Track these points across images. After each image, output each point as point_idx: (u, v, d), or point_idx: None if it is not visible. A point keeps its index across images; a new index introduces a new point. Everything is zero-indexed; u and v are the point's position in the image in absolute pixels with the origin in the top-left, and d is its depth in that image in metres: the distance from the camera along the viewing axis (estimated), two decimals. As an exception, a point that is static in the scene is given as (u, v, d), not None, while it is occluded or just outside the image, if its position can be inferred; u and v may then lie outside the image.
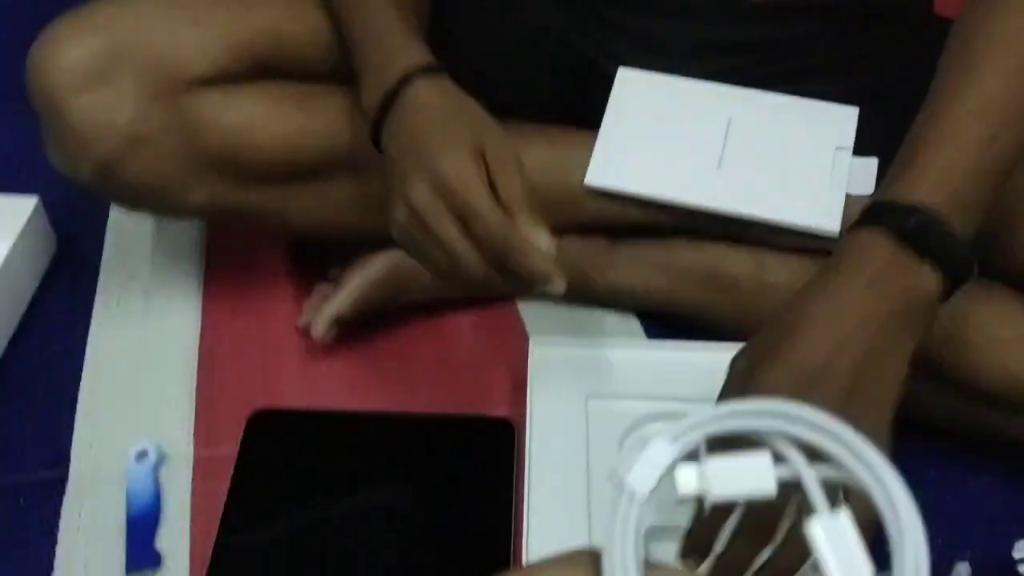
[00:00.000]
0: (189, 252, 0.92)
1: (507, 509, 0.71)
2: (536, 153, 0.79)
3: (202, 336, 0.85)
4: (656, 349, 0.79)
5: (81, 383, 0.81)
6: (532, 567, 0.29)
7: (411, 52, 0.66)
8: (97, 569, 0.69)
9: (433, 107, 0.64)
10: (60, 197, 0.90)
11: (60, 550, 0.70)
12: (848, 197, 0.78)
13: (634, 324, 0.84)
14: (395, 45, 0.67)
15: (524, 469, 0.71)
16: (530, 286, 0.62)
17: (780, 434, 0.30)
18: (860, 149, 0.80)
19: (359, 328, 0.84)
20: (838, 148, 0.80)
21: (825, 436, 0.30)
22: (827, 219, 0.78)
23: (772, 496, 0.29)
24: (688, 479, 0.30)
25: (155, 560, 0.69)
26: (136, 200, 0.77)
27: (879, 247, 0.56)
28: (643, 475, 0.30)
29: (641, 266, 0.82)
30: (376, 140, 0.66)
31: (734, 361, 0.59)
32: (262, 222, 0.79)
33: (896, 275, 0.56)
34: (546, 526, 0.67)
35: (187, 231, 0.93)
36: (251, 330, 0.86)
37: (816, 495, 0.29)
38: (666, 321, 0.83)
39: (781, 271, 0.78)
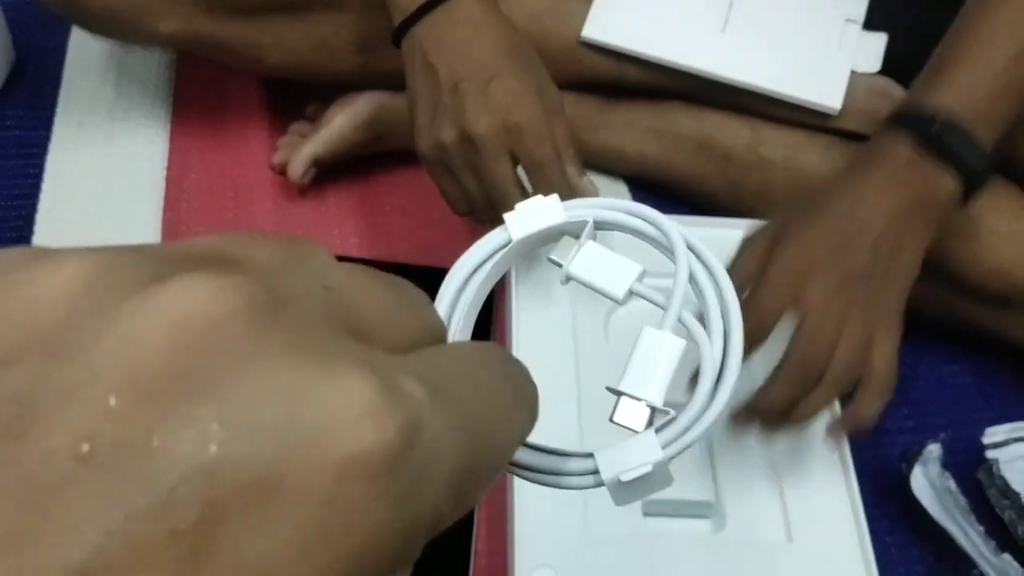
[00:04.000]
0: (157, 76, 0.87)
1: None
2: (535, 0, 0.75)
3: (169, 166, 0.81)
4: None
5: (39, 205, 0.77)
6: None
7: None
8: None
9: (490, 28, 0.61)
10: (21, 8, 0.84)
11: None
12: (852, 74, 0.76)
13: (622, 189, 0.82)
14: None
15: (502, 324, 0.70)
16: None
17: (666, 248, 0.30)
18: (870, 23, 0.78)
19: (335, 172, 0.80)
20: (847, 20, 0.77)
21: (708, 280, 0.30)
22: (829, 95, 0.76)
23: (618, 301, 0.29)
24: (564, 249, 0.30)
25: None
26: (104, 26, 0.72)
27: (902, 148, 0.59)
28: (523, 223, 0.30)
29: (634, 129, 0.79)
30: (399, 32, 0.62)
31: (750, 238, 0.60)
32: (235, 56, 0.75)
33: (917, 173, 0.58)
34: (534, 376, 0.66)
35: (156, 55, 0.88)
36: (221, 164, 0.82)
37: (671, 314, 0.29)
38: (655, 189, 0.81)
39: (777, 145, 0.76)
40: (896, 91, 0.77)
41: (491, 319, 0.73)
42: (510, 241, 0.30)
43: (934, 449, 0.65)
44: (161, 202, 0.78)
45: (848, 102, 0.75)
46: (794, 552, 0.60)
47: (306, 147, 0.77)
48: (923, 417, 0.71)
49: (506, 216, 0.30)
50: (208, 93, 0.86)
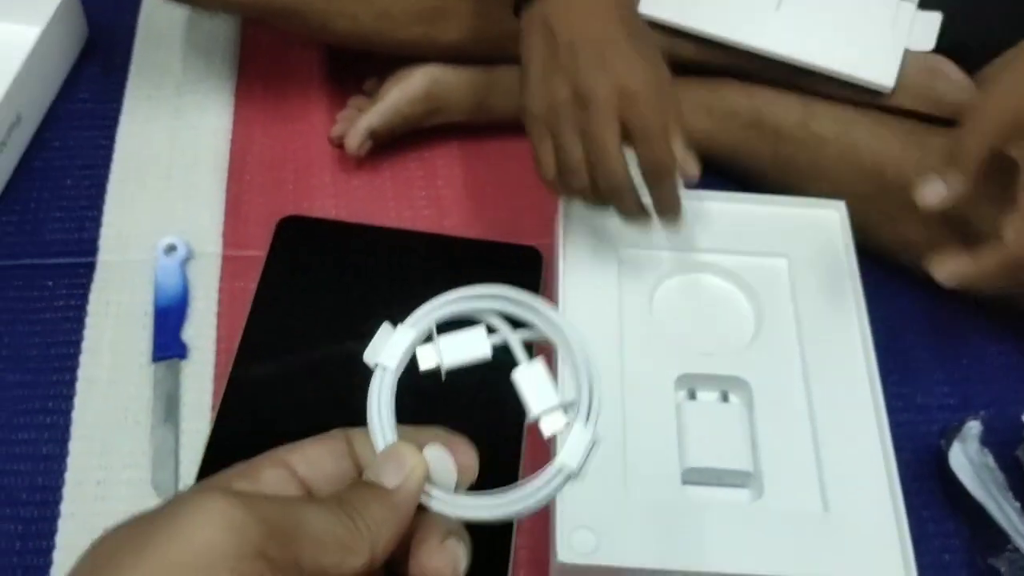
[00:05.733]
0: (223, 52, 0.89)
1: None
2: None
3: (233, 138, 0.84)
4: (691, 199, 0.76)
5: (110, 174, 0.81)
6: (292, 445, 0.35)
7: None
8: (124, 354, 0.70)
9: (615, 7, 0.62)
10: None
11: (88, 333, 0.71)
12: (906, 52, 0.76)
13: (671, 164, 0.83)
14: None
15: (551, 297, 0.71)
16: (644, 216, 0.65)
17: (490, 311, 0.39)
18: (925, 2, 0.77)
19: (392, 146, 0.82)
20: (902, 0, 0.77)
21: (521, 308, 0.39)
22: (883, 73, 0.76)
23: (488, 358, 0.38)
24: (427, 355, 0.39)
25: (181, 350, 0.70)
26: None
27: None
28: (391, 355, 0.38)
29: (685, 105, 0.79)
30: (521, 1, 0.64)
31: (991, 104, 0.60)
32: (302, 23, 0.77)
33: None
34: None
35: (221, 28, 0.91)
36: (283, 137, 0.84)
37: (517, 351, 0.38)
38: (705, 165, 0.81)
39: (828, 122, 0.76)
40: (950, 70, 0.77)
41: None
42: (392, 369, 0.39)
43: (974, 426, 0.65)
44: (225, 173, 0.82)
45: (901, 80, 0.75)
46: (830, 523, 0.61)
47: (362, 120, 0.79)
48: (965, 395, 0.71)
49: (441, 343, 0.39)
50: (270, 69, 0.89)
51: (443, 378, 0.37)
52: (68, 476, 0.64)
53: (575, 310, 0.68)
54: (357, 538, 0.32)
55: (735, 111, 0.79)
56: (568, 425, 0.37)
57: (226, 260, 0.76)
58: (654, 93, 0.61)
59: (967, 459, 0.65)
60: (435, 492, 0.35)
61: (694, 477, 0.63)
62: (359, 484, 0.34)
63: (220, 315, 0.73)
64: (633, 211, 0.65)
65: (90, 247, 0.76)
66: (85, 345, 0.71)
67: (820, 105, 0.77)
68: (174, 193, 0.80)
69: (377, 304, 0.74)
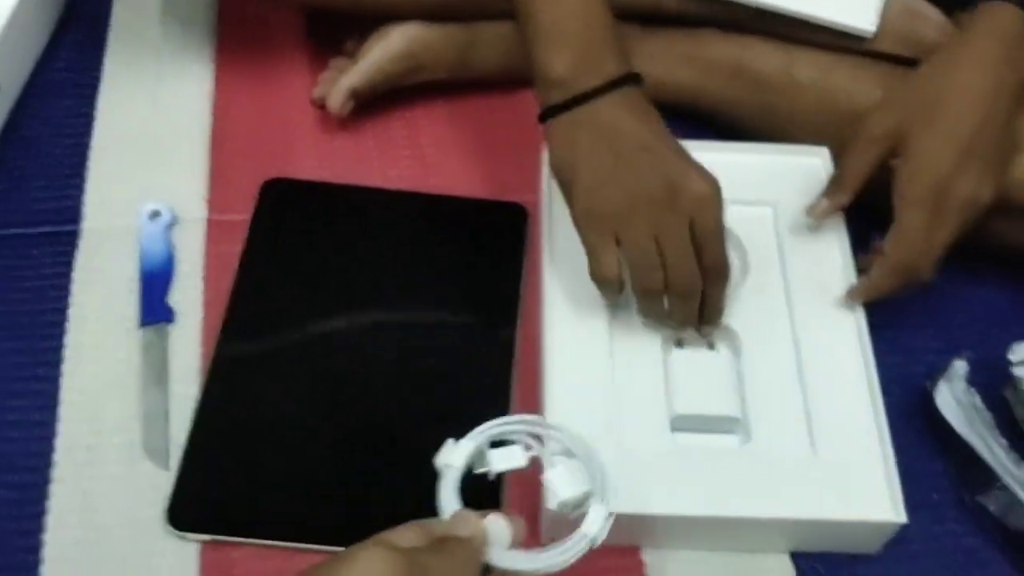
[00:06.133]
0: (202, 17, 0.89)
1: (514, 292, 0.72)
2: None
3: (215, 103, 0.83)
4: None
5: (92, 142, 0.80)
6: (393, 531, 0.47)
7: (620, 53, 0.64)
8: (111, 320, 0.70)
9: (651, 112, 0.63)
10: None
11: (74, 300, 0.71)
12: (887, -4, 0.76)
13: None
14: (603, 36, 0.63)
15: (536, 253, 0.72)
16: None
17: (524, 432, 0.53)
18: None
19: (374, 105, 0.82)
20: (883, -59, 0.77)
21: (545, 429, 0.54)
22: (864, 18, 0.76)
23: (524, 467, 0.53)
24: (480, 463, 0.53)
25: (168, 315, 0.70)
26: None
27: (1012, 20, 0.65)
28: (455, 458, 0.51)
29: (669, 57, 0.80)
30: (550, 108, 0.63)
31: (872, 122, 0.67)
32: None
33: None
34: (566, 311, 0.68)
35: (200, -6, 0.90)
36: (264, 100, 0.84)
37: (548, 460, 0.53)
38: (688, 114, 0.81)
39: (810, 69, 0.76)
40: (932, 13, 0.76)
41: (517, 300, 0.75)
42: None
43: (960, 366, 0.66)
44: (208, 138, 0.81)
45: (882, 25, 0.75)
46: (819, 465, 0.61)
47: (343, 80, 0.79)
48: (950, 338, 0.71)
49: (492, 455, 0.53)
50: (250, 32, 0.88)
51: (490, 478, 0.53)
52: (59, 442, 0.65)
53: (561, 264, 0.68)
54: (460, 569, 0.46)
55: (717, 61, 0.79)
56: (588, 503, 0.51)
57: (211, 224, 0.76)
58: (719, 198, 0.61)
59: (954, 399, 0.65)
60: (493, 548, 0.48)
61: (682, 424, 0.64)
62: (446, 538, 0.46)
63: (206, 279, 0.73)
64: (692, 314, 0.64)
65: (74, 215, 0.76)
66: (72, 312, 0.70)
67: (801, 52, 0.77)
68: (157, 159, 0.80)
69: (363, 264, 0.74)
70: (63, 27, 0.88)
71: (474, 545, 0.47)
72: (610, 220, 0.61)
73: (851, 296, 0.68)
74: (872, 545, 0.62)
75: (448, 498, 0.50)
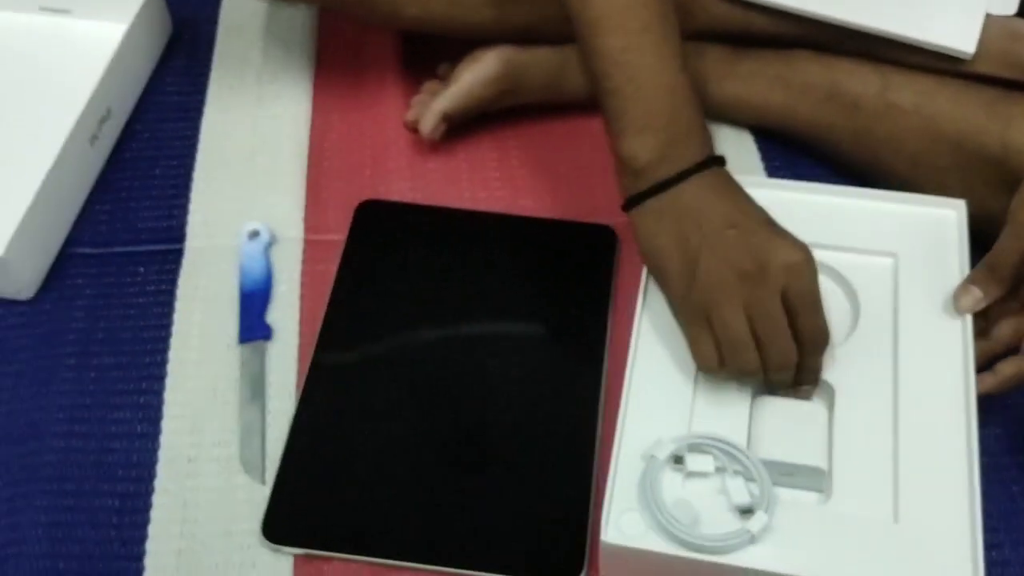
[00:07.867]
0: (301, 41, 0.92)
1: (603, 314, 0.73)
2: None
3: (312, 125, 0.86)
4: (798, 191, 0.73)
5: (196, 163, 0.83)
6: None
7: (704, 136, 0.64)
8: (212, 337, 0.73)
9: (736, 191, 0.64)
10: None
11: (177, 317, 0.74)
12: (987, 16, 0.74)
13: (748, 140, 0.82)
14: (687, 124, 0.64)
15: (625, 278, 0.72)
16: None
17: (712, 445, 0.61)
18: (1008, -35, 0.75)
19: (465, 128, 0.83)
20: (983, -38, 0.75)
21: (735, 450, 0.60)
22: (963, 39, 0.74)
23: (711, 472, 0.60)
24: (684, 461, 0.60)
25: (267, 332, 0.72)
26: None
27: None
28: (661, 451, 0.60)
29: (761, 79, 0.79)
30: (644, 194, 0.64)
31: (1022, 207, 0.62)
32: (372, 11, 0.78)
33: None
34: (654, 345, 0.66)
35: (299, 18, 0.93)
36: (359, 123, 0.86)
37: (730, 472, 0.61)
38: (781, 139, 0.81)
39: (906, 92, 0.75)
40: (1034, 33, 0.74)
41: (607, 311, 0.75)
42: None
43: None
44: (305, 160, 0.84)
45: (981, 46, 0.73)
46: (899, 533, 0.58)
47: (436, 103, 0.80)
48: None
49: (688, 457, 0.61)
50: (347, 56, 0.91)
51: (684, 474, 0.60)
52: (161, 453, 0.67)
53: (654, 292, 0.67)
54: None
55: (811, 84, 0.78)
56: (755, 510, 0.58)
57: (307, 244, 0.78)
58: (811, 265, 0.61)
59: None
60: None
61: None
62: None
63: (303, 298, 0.75)
64: (787, 383, 0.63)
65: (178, 234, 0.79)
66: (175, 328, 0.73)
67: (898, 75, 0.75)
68: (257, 180, 0.82)
69: (454, 285, 0.75)
70: (170, 51, 0.92)
71: None
72: (703, 305, 0.61)
73: (978, 387, 0.63)
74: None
75: (658, 491, 0.59)
